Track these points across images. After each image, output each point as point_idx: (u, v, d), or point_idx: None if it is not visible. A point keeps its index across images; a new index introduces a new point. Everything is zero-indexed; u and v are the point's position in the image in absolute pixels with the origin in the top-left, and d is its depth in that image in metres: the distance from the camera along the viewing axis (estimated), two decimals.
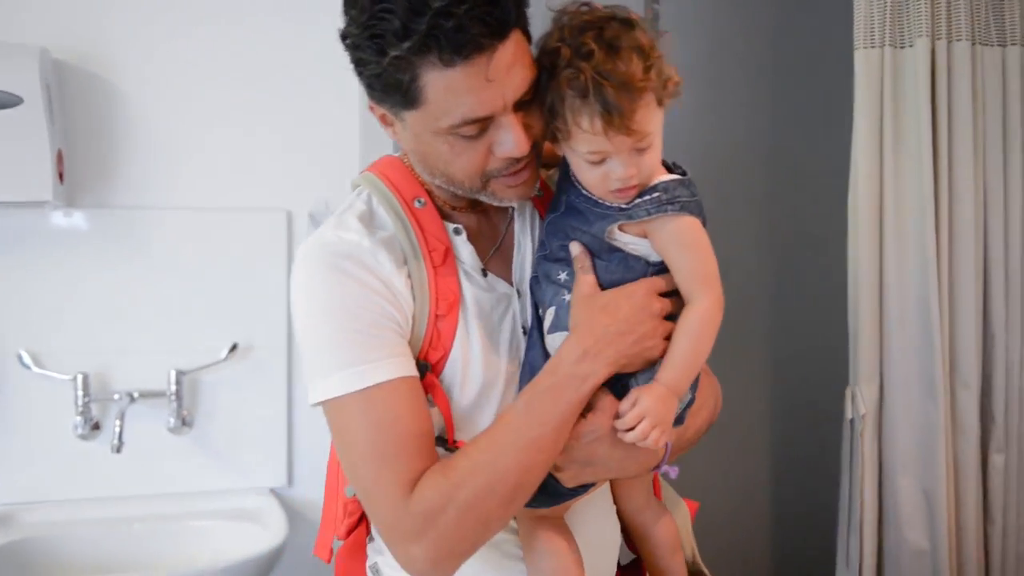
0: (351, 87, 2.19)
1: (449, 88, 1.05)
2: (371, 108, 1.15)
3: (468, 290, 1.21)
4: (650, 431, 1.08)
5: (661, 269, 1.13)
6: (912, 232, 1.77)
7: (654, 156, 1.11)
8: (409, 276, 1.18)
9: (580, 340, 1.13)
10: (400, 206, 1.21)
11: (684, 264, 1.12)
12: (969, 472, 1.82)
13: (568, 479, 1.17)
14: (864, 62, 1.79)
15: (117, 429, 2.02)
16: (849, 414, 1.81)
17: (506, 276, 1.26)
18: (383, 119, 1.16)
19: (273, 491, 2.21)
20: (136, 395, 2.06)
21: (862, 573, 1.81)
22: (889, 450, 1.82)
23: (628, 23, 1.07)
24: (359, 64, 1.08)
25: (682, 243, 1.12)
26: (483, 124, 1.09)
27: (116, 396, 2.07)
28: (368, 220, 1.21)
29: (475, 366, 1.20)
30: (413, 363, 1.16)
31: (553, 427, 1.12)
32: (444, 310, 1.19)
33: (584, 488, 1.21)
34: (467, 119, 1.08)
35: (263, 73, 2.21)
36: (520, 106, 1.10)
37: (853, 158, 1.82)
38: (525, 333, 1.24)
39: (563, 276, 1.17)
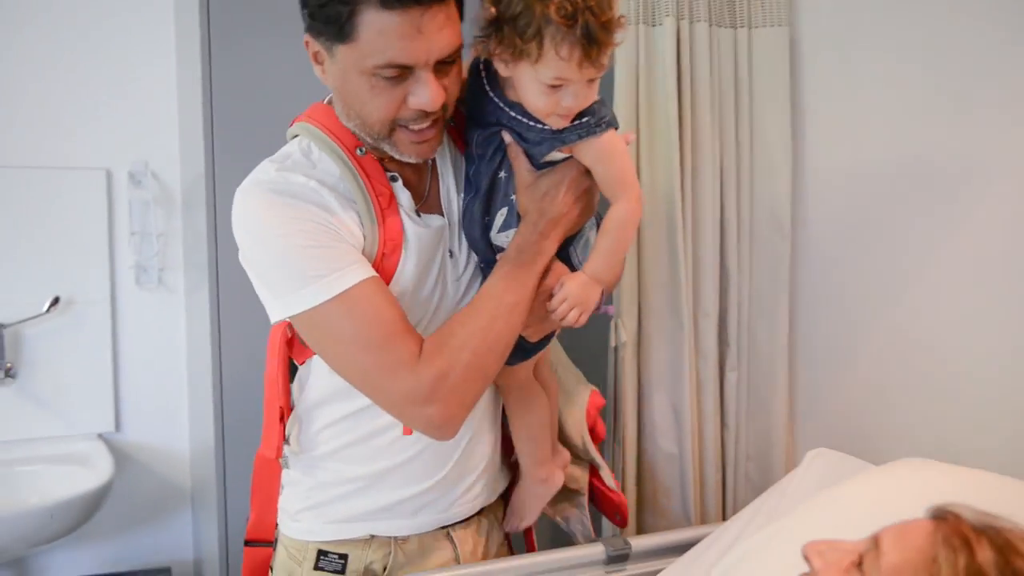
0: (169, 47, 2.22)
1: (382, 30, 1.08)
2: (306, 43, 1.17)
3: (410, 229, 1.26)
4: (569, 312, 1.24)
5: None
6: (662, 187, 1.86)
7: (596, 87, 1.16)
8: (358, 215, 1.22)
9: (535, 224, 1.24)
10: (344, 153, 1.24)
11: (607, 174, 1.22)
12: (709, 388, 1.94)
13: (533, 334, 1.31)
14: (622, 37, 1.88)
15: None
16: (613, 342, 1.90)
17: (435, 207, 1.32)
18: (315, 56, 1.17)
19: (101, 436, 2.22)
20: None
21: (624, 475, 1.91)
22: (645, 372, 1.92)
23: None
24: None
25: (604, 157, 1.21)
26: (404, 72, 1.12)
27: None
28: (310, 166, 1.24)
29: (408, 297, 1.26)
30: (370, 266, 1.22)
31: (528, 291, 1.24)
32: (390, 249, 1.24)
33: (546, 340, 1.35)
34: (392, 63, 1.11)
35: (80, 33, 2.14)
36: (439, 67, 1.14)
37: (616, 117, 1.88)
38: (450, 256, 1.32)
39: (503, 175, 1.24)
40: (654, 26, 1.86)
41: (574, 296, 1.24)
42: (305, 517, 1.38)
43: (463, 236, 1.33)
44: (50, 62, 2.12)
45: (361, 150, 1.25)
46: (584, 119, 1.17)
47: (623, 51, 1.84)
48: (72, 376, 2.20)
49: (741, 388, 1.99)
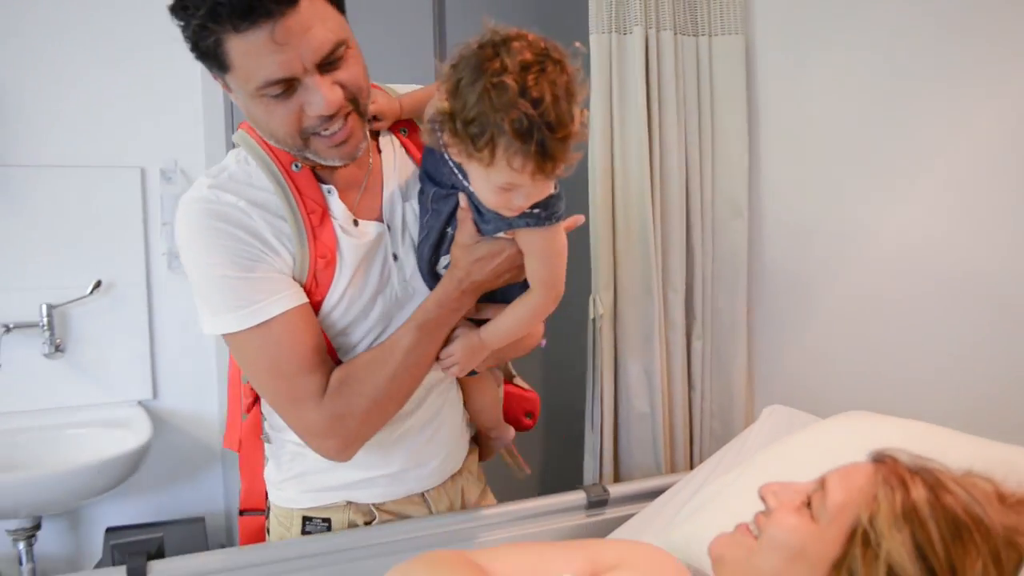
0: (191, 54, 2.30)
1: (246, 52, 1.00)
2: (214, 77, 1.10)
3: (344, 243, 1.19)
4: (451, 367, 1.23)
5: None
6: (634, 179, 1.94)
7: (552, 183, 1.08)
8: (286, 235, 1.16)
9: (460, 281, 1.18)
10: (278, 170, 1.17)
11: (540, 268, 1.16)
12: (677, 355, 2.02)
13: (480, 367, 1.30)
14: (596, 45, 1.91)
15: None
16: (592, 315, 1.96)
17: (375, 213, 1.24)
18: (224, 87, 1.10)
19: (140, 403, 2.33)
20: (11, 326, 2.14)
21: (603, 431, 1.99)
22: (620, 341, 1.99)
23: (562, 64, 0.97)
24: (182, 32, 1.04)
25: (542, 253, 1.15)
26: (288, 85, 1.04)
27: None
28: (245, 180, 1.17)
29: (342, 307, 1.21)
30: (298, 292, 1.17)
31: (436, 346, 1.22)
32: (323, 265, 1.18)
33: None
34: (268, 80, 1.03)
35: (116, 41, 2.21)
36: (327, 66, 1.05)
37: (592, 117, 1.93)
38: (395, 259, 1.25)
39: (450, 231, 1.19)
40: (625, 34, 1.92)
41: (458, 355, 1.22)
42: (287, 487, 1.37)
43: (410, 246, 1.27)
44: (86, 69, 2.20)
45: (296, 165, 1.18)
46: (536, 210, 1.09)
47: (598, 57, 1.90)
48: (114, 350, 2.30)
49: (706, 354, 2.07)
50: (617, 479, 2.05)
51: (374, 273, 1.23)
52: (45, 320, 2.19)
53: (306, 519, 1.37)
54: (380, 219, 1.24)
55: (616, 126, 1.95)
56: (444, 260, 1.21)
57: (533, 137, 0.93)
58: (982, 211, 1.48)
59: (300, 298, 1.17)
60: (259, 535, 1.46)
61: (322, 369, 1.18)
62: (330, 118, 1.09)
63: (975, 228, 1.49)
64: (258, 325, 1.13)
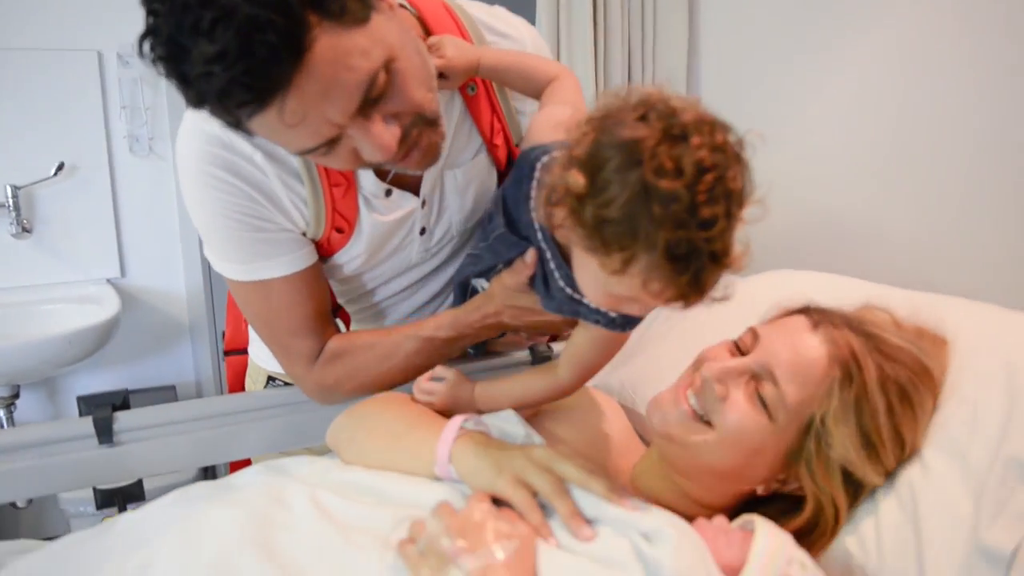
0: None
1: (266, 130, 0.80)
2: None
3: (366, 219, 1.07)
4: (425, 398, 1.03)
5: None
6: (578, 54, 1.94)
7: None
8: (301, 198, 1.03)
9: (485, 315, 1.05)
10: None
11: (582, 353, 0.96)
12: None
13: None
14: None
15: None
16: None
17: (413, 183, 1.09)
18: None
19: (109, 281, 2.35)
20: None
21: None
22: None
23: (740, 166, 0.70)
24: None
25: (598, 345, 0.95)
26: (329, 143, 0.83)
27: None
28: None
29: (349, 267, 1.13)
30: (305, 253, 1.07)
31: (437, 361, 1.11)
32: (339, 230, 1.07)
33: None
34: (303, 150, 0.84)
35: None
36: (370, 106, 0.81)
37: (538, 19, 1.91)
38: (422, 233, 1.14)
39: (501, 267, 1.00)
40: None
41: (437, 398, 1.03)
42: (261, 345, 1.31)
43: (444, 216, 1.15)
44: None
45: None
46: (614, 314, 0.87)
47: None
48: (80, 231, 2.30)
49: None
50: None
51: (392, 245, 1.14)
52: (11, 201, 2.18)
53: (271, 378, 1.38)
54: (417, 191, 1.10)
55: (562, 13, 1.94)
56: (482, 281, 1.07)
57: (690, 266, 0.67)
58: (917, 69, 1.49)
59: (306, 261, 1.08)
60: (244, 376, 1.46)
61: (318, 334, 1.12)
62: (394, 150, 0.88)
63: (912, 84, 1.50)
64: (256, 282, 1.06)
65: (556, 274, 0.88)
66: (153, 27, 0.73)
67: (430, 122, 0.90)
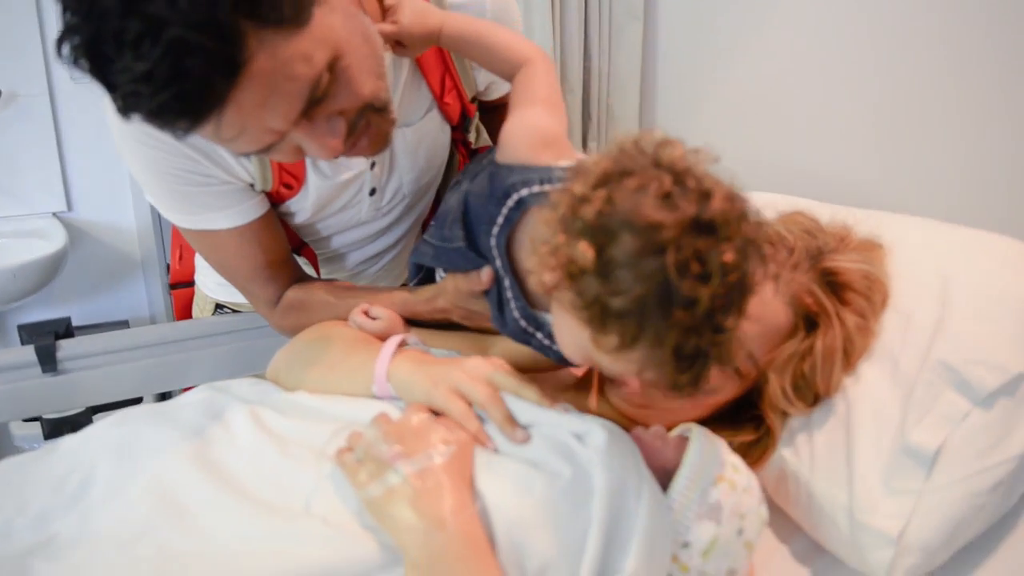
0: None
1: (203, 139, 0.78)
2: None
3: (312, 178, 1.06)
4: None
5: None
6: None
7: None
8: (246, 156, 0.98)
9: (434, 309, 1.00)
10: None
11: (515, 356, 0.91)
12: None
13: None
14: None
15: None
16: None
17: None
18: None
19: (55, 215, 2.30)
20: None
21: None
22: None
23: (758, 258, 0.64)
24: None
25: (534, 358, 0.91)
26: (269, 147, 0.80)
27: None
28: None
29: (298, 218, 1.11)
30: (253, 205, 1.04)
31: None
32: (286, 186, 1.05)
33: None
34: (244, 153, 0.84)
35: None
36: (314, 104, 0.77)
37: None
38: (372, 193, 1.12)
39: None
40: None
41: (374, 335, 1.00)
42: (208, 274, 1.33)
43: (395, 176, 1.13)
44: None
45: None
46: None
47: None
48: (23, 162, 2.23)
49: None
50: None
51: (340, 203, 1.12)
52: None
53: (219, 306, 1.37)
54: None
55: None
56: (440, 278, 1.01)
57: (694, 367, 0.64)
58: None
59: (255, 212, 1.04)
60: (190, 309, 1.45)
61: (275, 281, 1.10)
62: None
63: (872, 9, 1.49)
64: (203, 231, 1.03)
65: (512, 304, 0.85)
66: (72, 26, 0.66)
67: (379, 110, 0.86)
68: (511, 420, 0.78)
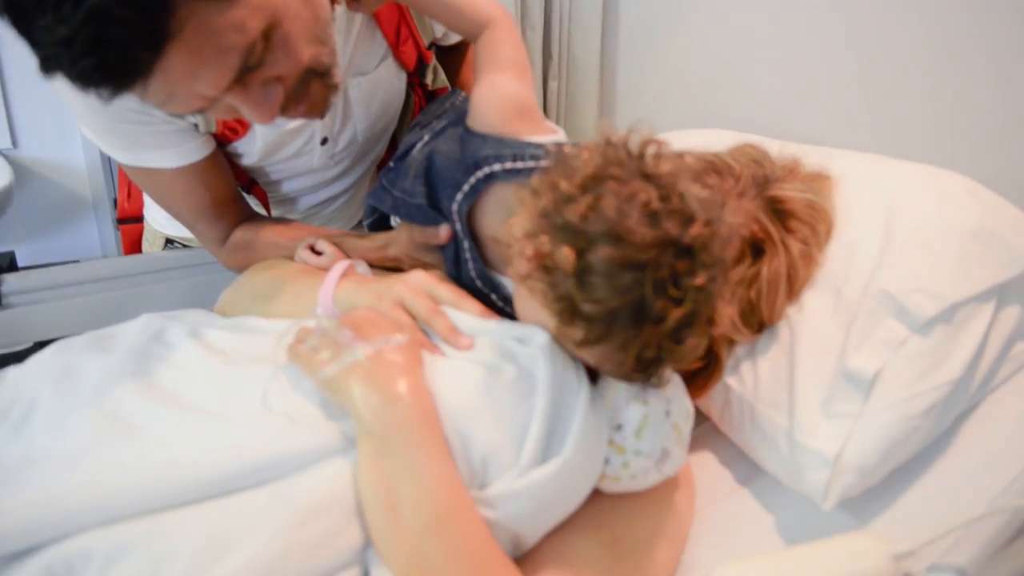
0: None
1: (135, 98, 0.75)
2: None
3: (258, 126, 1.05)
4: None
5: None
6: None
7: None
8: None
9: (385, 255, 0.99)
10: None
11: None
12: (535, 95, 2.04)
13: None
14: None
15: None
16: None
17: None
18: None
19: (0, 152, 2.25)
20: None
21: None
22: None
23: (725, 273, 0.70)
24: None
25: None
26: (204, 108, 0.79)
27: None
28: None
29: (246, 161, 1.11)
30: (196, 146, 1.03)
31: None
32: (232, 133, 1.05)
33: None
34: (175, 113, 0.86)
35: None
36: (248, 71, 0.76)
37: None
38: (323, 143, 1.12)
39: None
40: None
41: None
42: (157, 209, 1.27)
43: (349, 125, 1.12)
44: None
45: None
46: None
47: None
48: None
49: (560, 95, 2.11)
50: None
51: (290, 150, 1.11)
52: None
53: (169, 241, 1.36)
54: None
55: None
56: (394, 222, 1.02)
57: (651, 368, 0.69)
58: None
59: (198, 153, 1.02)
60: (139, 245, 1.44)
61: (221, 220, 1.09)
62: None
63: None
64: (145, 168, 1.01)
65: (471, 265, 0.87)
66: None
67: (320, 75, 0.84)
68: (454, 329, 0.79)
